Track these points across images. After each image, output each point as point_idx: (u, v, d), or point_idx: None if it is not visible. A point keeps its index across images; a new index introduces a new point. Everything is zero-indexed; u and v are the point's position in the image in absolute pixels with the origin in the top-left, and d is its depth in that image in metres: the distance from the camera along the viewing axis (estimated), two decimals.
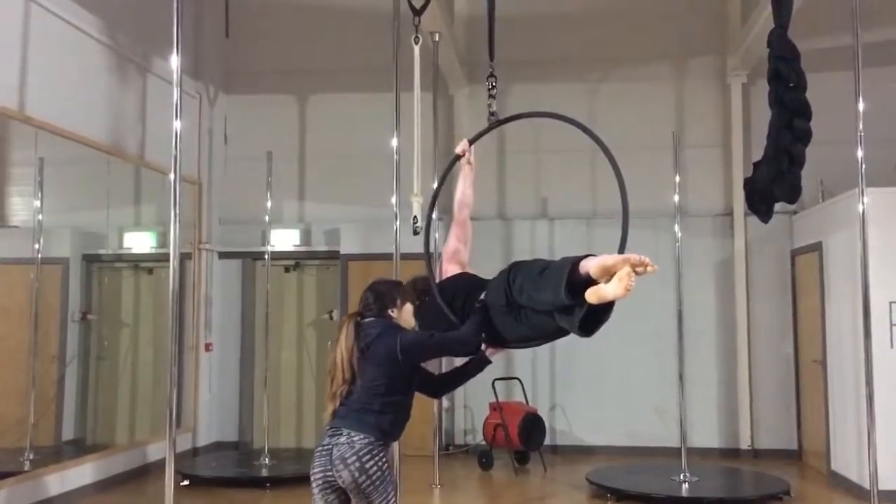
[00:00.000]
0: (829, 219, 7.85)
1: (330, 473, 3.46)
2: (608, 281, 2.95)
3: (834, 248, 7.69)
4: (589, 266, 3.02)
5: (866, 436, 5.59)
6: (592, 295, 2.99)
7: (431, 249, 4.26)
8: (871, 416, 5.46)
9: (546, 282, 3.16)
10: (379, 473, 3.46)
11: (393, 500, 3.55)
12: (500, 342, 3.69)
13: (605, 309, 3.08)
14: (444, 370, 3.86)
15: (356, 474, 3.42)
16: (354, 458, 3.43)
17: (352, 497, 3.50)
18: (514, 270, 3.39)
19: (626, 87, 9.52)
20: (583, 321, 3.10)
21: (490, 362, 3.84)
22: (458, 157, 4.02)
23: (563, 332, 3.43)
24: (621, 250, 3.42)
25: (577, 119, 3.88)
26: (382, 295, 3.71)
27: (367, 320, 3.64)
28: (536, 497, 7.43)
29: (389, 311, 3.69)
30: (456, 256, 4.00)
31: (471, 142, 4.06)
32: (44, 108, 6.63)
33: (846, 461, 7.36)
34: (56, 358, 7.52)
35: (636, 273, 2.94)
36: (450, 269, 3.95)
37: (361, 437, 3.47)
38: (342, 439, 3.47)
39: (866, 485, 6.06)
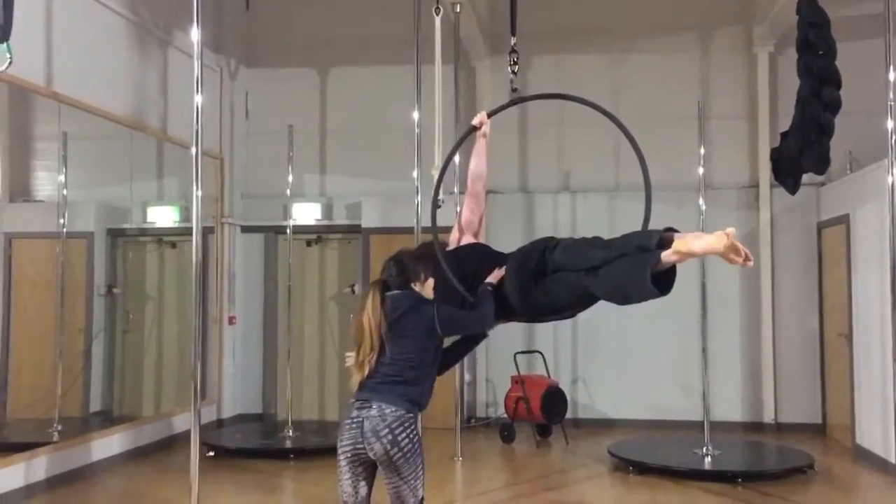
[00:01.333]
0: (857, 191, 7.73)
1: (361, 446, 3.45)
2: None
3: (862, 220, 7.58)
4: (677, 235, 3.11)
5: (892, 410, 5.54)
6: (682, 243, 3.04)
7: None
8: None
9: (619, 242, 3.23)
10: (410, 446, 3.45)
11: (422, 471, 3.54)
12: (509, 313, 3.66)
13: (671, 270, 3.14)
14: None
15: (388, 447, 3.41)
16: (387, 430, 3.41)
17: (382, 469, 3.49)
18: (553, 240, 3.48)
19: (650, 59, 9.38)
20: (654, 278, 3.07)
21: (486, 336, 3.85)
22: (474, 129, 3.95)
23: (579, 308, 3.53)
24: (644, 227, 3.45)
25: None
26: (407, 268, 3.67)
27: (394, 293, 3.60)
28: (558, 470, 7.46)
29: (413, 284, 3.66)
30: (469, 227, 3.98)
31: (489, 115, 4.01)
32: (67, 82, 6.65)
33: (871, 435, 7.31)
34: (82, 331, 7.62)
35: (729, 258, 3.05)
36: (463, 239, 3.94)
37: (393, 409, 3.44)
38: (373, 412, 3.44)
39: (892, 459, 6.02)
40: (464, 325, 3.67)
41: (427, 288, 3.69)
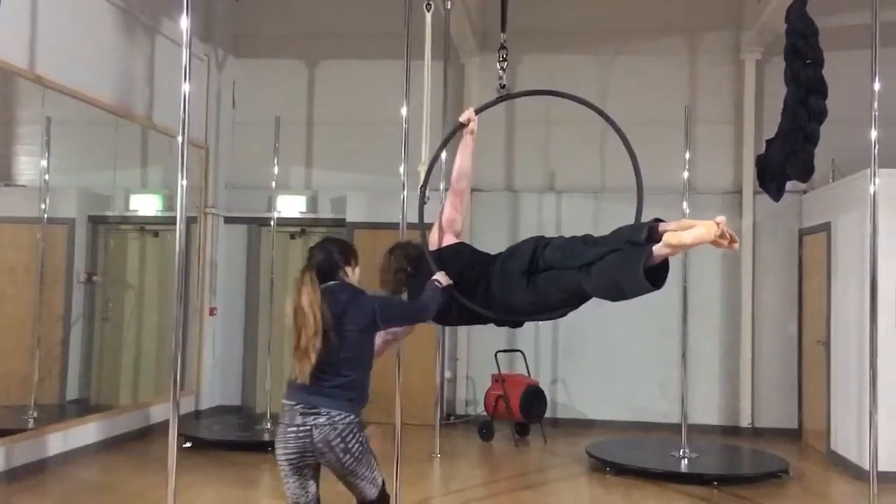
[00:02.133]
0: (839, 199, 7.80)
1: (310, 454, 3.36)
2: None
3: (843, 228, 7.65)
4: (668, 226, 3.14)
5: (867, 417, 5.59)
6: (674, 236, 3.05)
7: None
8: (874, 397, 5.45)
9: (609, 238, 3.27)
10: (360, 448, 3.39)
11: (375, 466, 3.49)
12: (481, 317, 3.69)
13: (663, 264, 3.17)
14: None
15: (342, 455, 3.34)
16: (339, 439, 3.33)
17: (336, 474, 3.43)
18: (544, 239, 3.51)
19: (638, 61, 9.42)
20: (646, 272, 3.09)
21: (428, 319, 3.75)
22: (462, 126, 3.94)
23: (569, 307, 3.54)
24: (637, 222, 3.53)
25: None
26: (335, 255, 3.58)
27: (329, 285, 3.48)
28: (536, 469, 7.48)
29: (342, 273, 3.56)
30: (452, 226, 3.93)
31: (477, 111, 4.00)
32: (52, 67, 6.58)
33: (846, 442, 7.38)
34: (61, 318, 7.56)
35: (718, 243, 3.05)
36: (445, 238, 3.89)
37: (343, 415, 3.35)
38: (322, 419, 3.32)
39: (865, 465, 6.08)
40: (404, 314, 3.64)
41: (355, 277, 3.62)
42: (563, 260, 3.36)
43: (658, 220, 3.23)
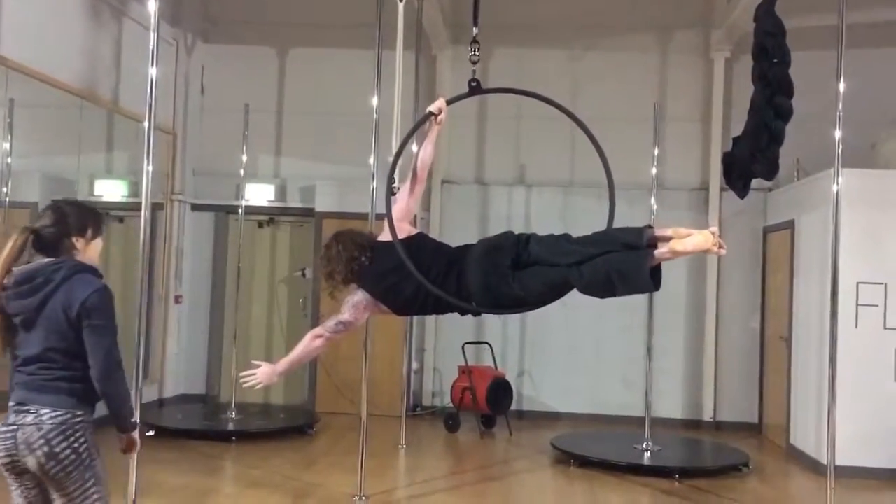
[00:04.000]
0: (802, 198, 7.92)
1: (17, 458, 2.85)
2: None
3: (806, 227, 7.77)
4: (665, 232, 3.42)
5: (826, 412, 5.71)
6: (679, 244, 3.35)
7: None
8: (833, 393, 5.56)
9: (598, 240, 3.45)
10: (73, 457, 2.84)
11: (94, 491, 2.90)
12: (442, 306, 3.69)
13: (658, 266, 3.41)
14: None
15: (44, 461, 2.81)
16: (42, 441, 2.82)
17: (46, 483, 2.90)
18: (522, 235, 3.57)
19: (609, 57, 9.47)
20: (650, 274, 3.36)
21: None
22: (431, 115, 3.88)
23: (547, 301, 3.59)
24: (610, 222, 3.74)
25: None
26: (67, 218, 2.99)
27: (44, 262, 2.93)
28: (501, 460, 7.52)
29: (74, 240, 2.98)
30: (408, 216, 3.91)
31: (448, 102, 3.99)
32: (16, 48, 6.43)
33: (805, 437, 7.52)
34: None
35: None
36: (404, 229, 3.78)
37: (53, 413, 2.84)
38: (29, 418, 2.84)
39: (823, 459, 6.21)
40: (105, 343, 3.00)
41: (91, 249, 3.07)
42: (550, 256, 3.45)
43: (649, 227, 3.49)
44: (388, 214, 3.75)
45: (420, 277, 3.53)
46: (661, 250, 3.37)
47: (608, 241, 3.41)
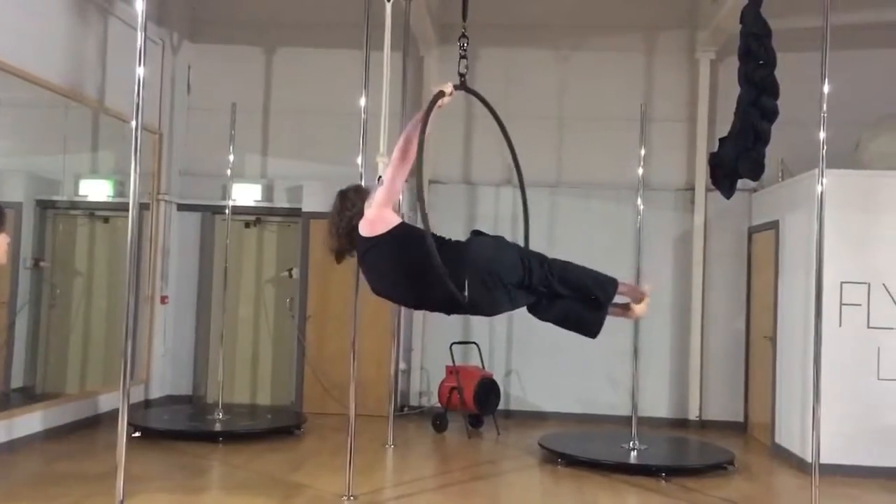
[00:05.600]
0: (787, 198, 7.98)
1: None
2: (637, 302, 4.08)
3: (791, 227, 7.83)
4: (623, 288, 4.02)
5: (811, 411, 5.75)
6: (630, 313, 4.09)
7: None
8: (818, 392, 5.60)
9: (577, 278, 3.92)
10: None
11: None
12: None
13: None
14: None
15: None
16: None
17: None
18: (528, 255, 3.95)
19: (596, 57, 9.50)
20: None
21: None
22: (443, 96, 3.85)
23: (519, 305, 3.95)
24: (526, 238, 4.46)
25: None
26: None
27: None
28: (488, 460, 7.53)
29: None
30: (395, 203, 3.98)
31: (456, 88, 4.02)
32: (0, 46, 6.40)
33: (790, 435, 7.57)
34: (5, 304, 7.37)
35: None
36: (393, 217, 3.86)
37: None
38: None
39: (808, 457, 6.26)
40: None
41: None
42: (540, 283, 3.83)
43: (616, 285, 3.98)
44: (424, 219, 3.68)
45: (450, 285, 3.58)
46: (614, 309, 4.00)
47: (580, 287, 3.88)
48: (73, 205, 8.44)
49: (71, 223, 8.53)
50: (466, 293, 3.64)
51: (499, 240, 3.96)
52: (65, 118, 7.78)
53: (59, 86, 7.31)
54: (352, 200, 3.97)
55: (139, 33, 4.51)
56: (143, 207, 8.55)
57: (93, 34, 7.87)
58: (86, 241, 8.71)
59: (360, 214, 3.91)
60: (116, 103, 7.90)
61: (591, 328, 3.97)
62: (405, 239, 3.78)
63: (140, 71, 4.48)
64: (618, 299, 4.00)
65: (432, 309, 4.13)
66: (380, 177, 4.13)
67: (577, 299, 3.88)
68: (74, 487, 5.78)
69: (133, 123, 4.46)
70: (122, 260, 4.56)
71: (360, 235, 3.89)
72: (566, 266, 3.92)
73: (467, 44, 4.28)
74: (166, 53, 9.22)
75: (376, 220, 3.83)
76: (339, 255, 4.01)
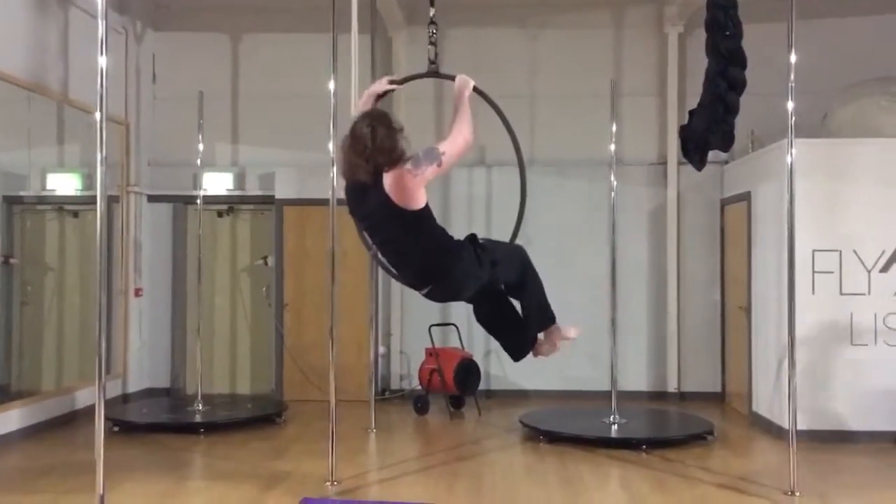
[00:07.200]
0: (758, 169, 8.04)
1: None
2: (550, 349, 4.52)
3: (762, 197, 7.90)
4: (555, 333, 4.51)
5: (786, 379, 5.83)
6: (547, 350, 4.54)
7: None
8: (792, 359, 5.68)
9: (531, 299, 4.31)
10: None
11: None
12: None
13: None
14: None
15: None
16: None
17: None
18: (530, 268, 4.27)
19: (565, 34, 9.47)
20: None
21: None
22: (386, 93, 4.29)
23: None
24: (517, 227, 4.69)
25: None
26: None
27: None
28: (470, 440, 7.56)
29: None
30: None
31: (399, 83, 4.36)
32: None
33: (766, 403, 7.68)
34: None
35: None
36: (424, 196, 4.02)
37: None
38: None
39: (784, 424, 6.35)
40: None
41: None
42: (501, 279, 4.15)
43: (553, 320, 4.42)
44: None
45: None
46: (540, 340, 4.39)
47: (529, 304, 4.22)
48: (41, 199, 8.31)
49: (40, 218, 8.41)
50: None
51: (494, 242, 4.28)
52: (28, 111, 7.63)
53: (21, 79, 7.17)
54: (400, 145, 3.77)
55: (100, 22, 4.43)
56: (112, 200, 8.44)
57: (54, 25, 7.72)
58: (56, 236, 8.59)
59: (392, 164, 3.72)
60: (81, 95, 7.77)
61: (520, 351, 4.34)
62: (429, 220, 3.90)
63: (102, 61, 4.40)
64: (542, 335, 4.37)
65: (410, 271, 4.07)
66: (433, 148, 3.89)
67: (516, 319, 4.25)
68: (55, 484, 5.73)
69: (97, 115, 4.38)
70: (94, 254, 4.48)
71: (381, 189, 3.71)
72: (535, 278, 4.23)
73: (436, 30, 4.29)
74: (130, 42, 9.07)
75: (419, 194, 3.76)
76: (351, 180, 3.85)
